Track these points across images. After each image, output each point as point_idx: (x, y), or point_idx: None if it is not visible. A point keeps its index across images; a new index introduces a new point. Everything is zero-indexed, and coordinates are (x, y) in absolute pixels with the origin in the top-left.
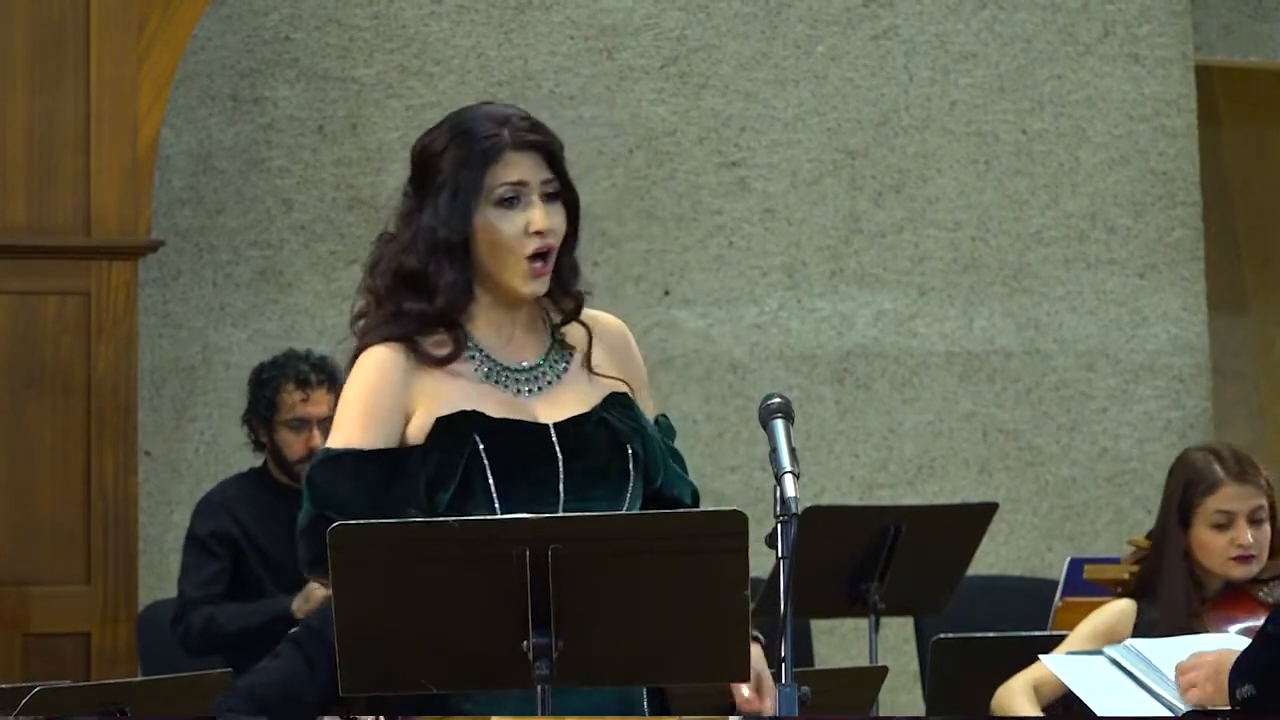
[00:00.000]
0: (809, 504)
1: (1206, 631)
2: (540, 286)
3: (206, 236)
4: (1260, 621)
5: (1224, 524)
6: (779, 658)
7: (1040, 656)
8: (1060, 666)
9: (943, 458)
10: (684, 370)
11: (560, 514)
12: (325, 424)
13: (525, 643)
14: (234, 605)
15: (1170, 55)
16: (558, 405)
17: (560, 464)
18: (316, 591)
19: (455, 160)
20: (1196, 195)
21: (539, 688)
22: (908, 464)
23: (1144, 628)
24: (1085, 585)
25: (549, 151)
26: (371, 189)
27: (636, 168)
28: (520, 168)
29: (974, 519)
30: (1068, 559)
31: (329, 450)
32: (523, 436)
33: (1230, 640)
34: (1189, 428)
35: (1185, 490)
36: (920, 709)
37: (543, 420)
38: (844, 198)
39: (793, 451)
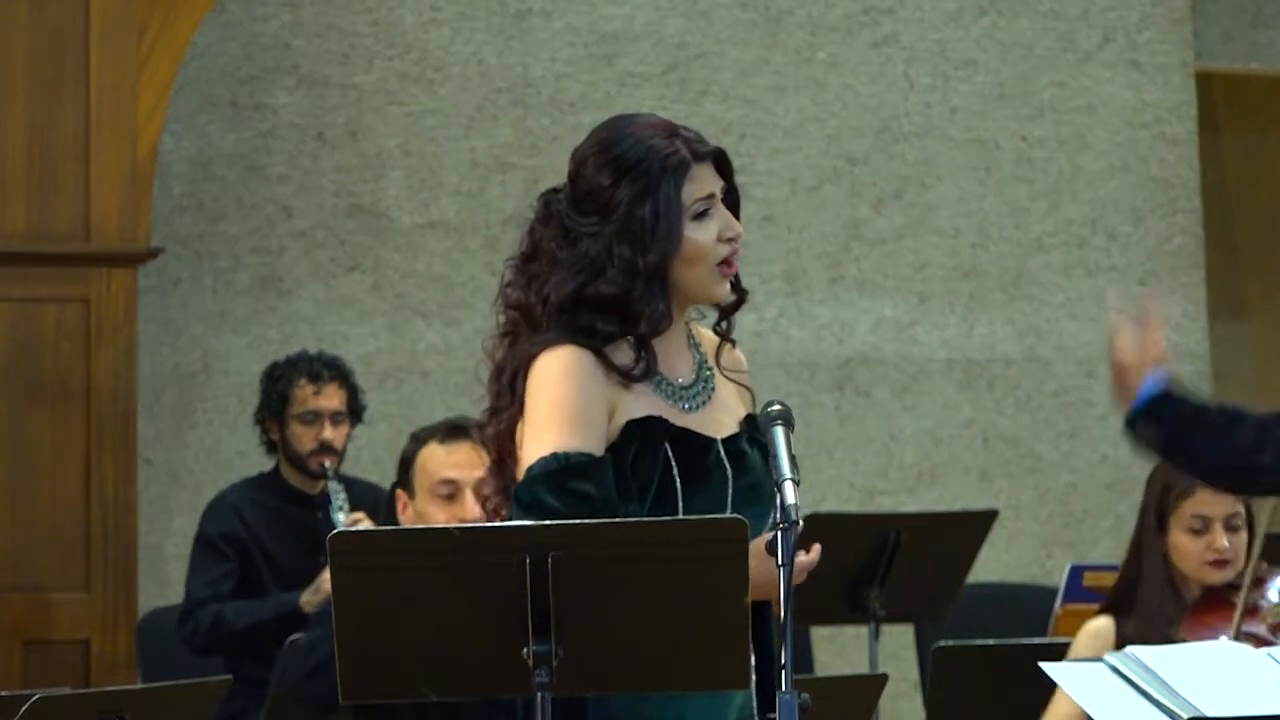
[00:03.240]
0: (809, 511)
1: (1184, 640)
2: (728, 288)
3: (206, 243)
4: (1242, 629)
5: (1200, 529)
6: (779, 665)
7: (1040, 664)
8: (1060, 674)
9: (943, 465)
10: None
11: (560, 521)
12: (336, 418)
13: (525, 650)
14: (241, 602)
15: (1170, 62)
16: (716, 423)
17: (730, 479)
18: (325, 584)
19: (643, 185)
20: (1197, 202)
21: (538, 695)
22: (908, 471)
23: (1121, 642)
24: (1085, 592)
25: (721, 158)
26: (371, 195)
27: None
28: (706, 180)
29: (974, 526)
30: (1068, 566)
31: (565, 455)
32: (701, 449)
33: (1230, 648)
34: None
35: (1163, 494)
36: (920, 717)
37: (711, 435)
38: (844, 205)
39: (793, 458)
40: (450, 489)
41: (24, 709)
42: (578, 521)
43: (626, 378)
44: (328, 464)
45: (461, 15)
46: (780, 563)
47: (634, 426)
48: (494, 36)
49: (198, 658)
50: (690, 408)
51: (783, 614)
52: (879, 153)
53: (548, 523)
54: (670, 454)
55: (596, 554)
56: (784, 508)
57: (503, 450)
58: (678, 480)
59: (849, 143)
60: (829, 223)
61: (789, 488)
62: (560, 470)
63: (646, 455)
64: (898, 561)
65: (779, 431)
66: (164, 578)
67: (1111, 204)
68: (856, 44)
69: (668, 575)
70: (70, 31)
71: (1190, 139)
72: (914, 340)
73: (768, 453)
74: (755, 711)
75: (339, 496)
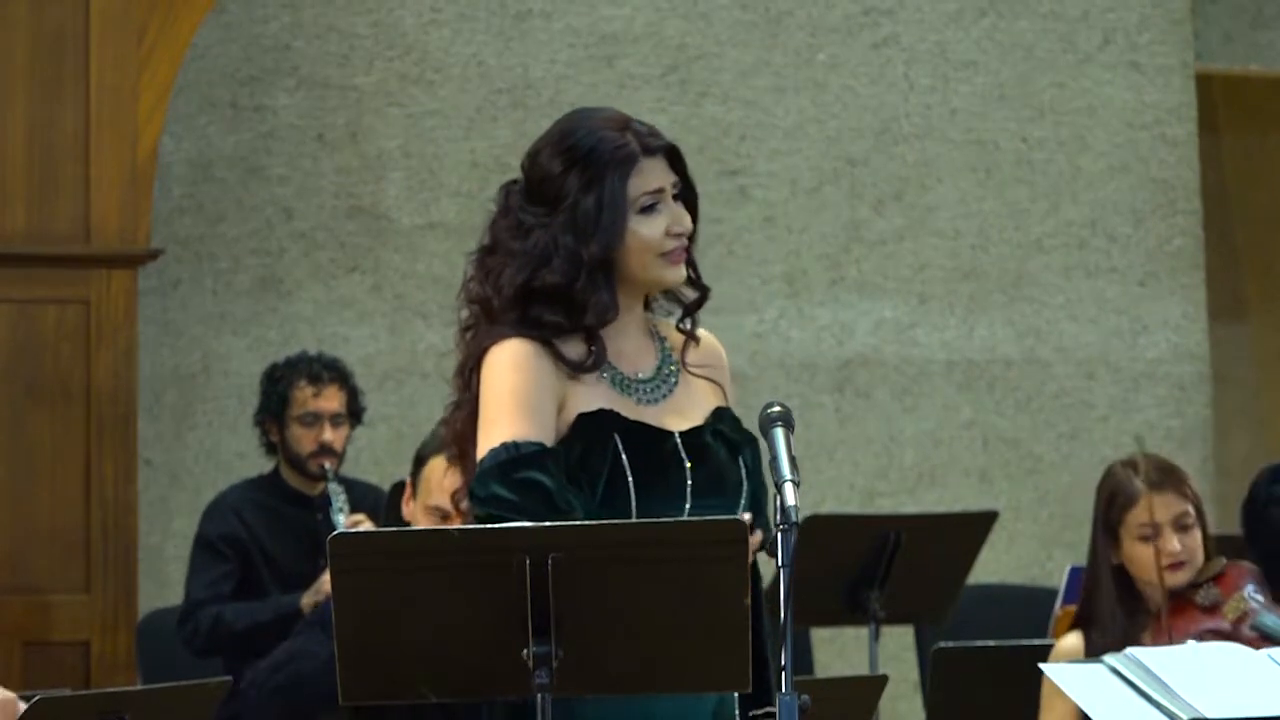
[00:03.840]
0: (809, 512)
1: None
2: (682, 272)
3: (206, 245)
4: (1205, 627)
5: (1150, 535)
6: (779, 666)
7: (1040, 665)
8: (1060, 676)
9: (943, 466)
10: None
11: (560, 523)
12: (336, 419)
13: (525, 651)
14: (241, 603)
15: (1170, 64)
16: (676, 415)
17: (688, 471)
18: (325, 585)
19: (589, 177)
20: (1197, 203)
21: (539, 697)
22: (908, 472)
23: (1093, 655)
24: None
25: (673, 153)
26: (371, 197)
27: None
28: (656, 174)
29: (974, 527)
30: (1068, 567)
31: (514, 444)
32: (656, 441)
33: (1230, 650)
34: (1189, 436)
35: (1108, 507)
36: (920, 718)
37: (668, 428)
38: (844, 206)
39: (793, 460)
40: (441, 514)
41: (24, 710)
42: (577, 523)
43: (577, 370)
44: (328, 465)
45: (462, 16)
46: (781, 564)
47: (584, 419)
48: (494, 38)
49: (197, 658)
50: (649, 400)
51: (783, 615)
52: (879, 154)
53: (547, 524)
54: (621, 446)
55: (596, 555)
56: (784, 509)
57: (463, 445)
58: (629, 472)
59: (849, 144)
60: (829, 224)
61: (789, 489)
62: (510, 461)
63: (596, 448)
64: (898, 563)
65: (779, 433)
66: (164, 579)
67: (1111, 205)
68: (856, 45)
69: (667, 576)
70: (70, 32)
71: (1190, 140)
72: (914, 342)
73: (737, 446)
74: (736, 711)
75: (339, 498)
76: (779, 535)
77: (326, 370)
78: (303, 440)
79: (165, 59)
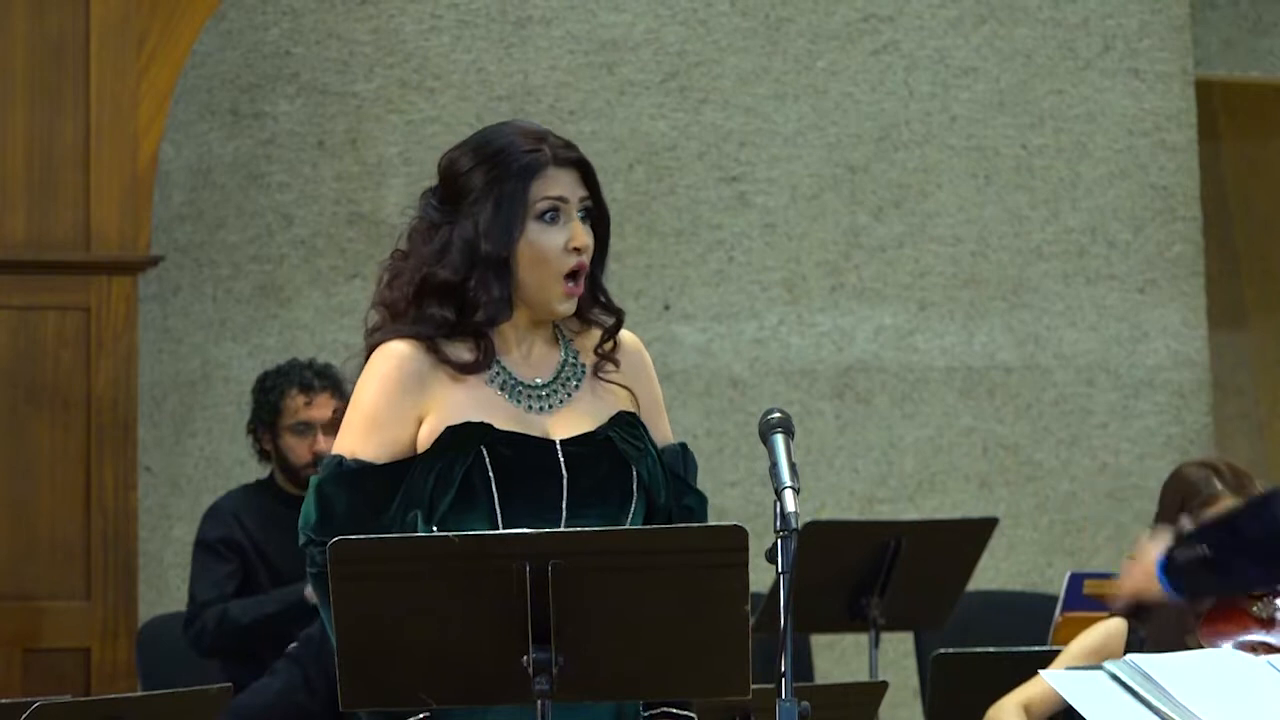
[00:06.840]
0: (809, 519)
1: (1200, 647)
2: (572, 306)
3: (206, 251)
4: (1254, 637)
5: None
6: (779, 672)
7: (1040, 671)
8: (1060, 681)
9: (943, 472)
10: (684, 385)
11: (560, 529)
12: (329, 428)
13: (525, 657)
14: (246, 599)
15: (1170, 70)
16: (566, 423)
17: (564, 480)
18: None
19: (493, 175)
20: (1196, 210)
21: (539, 703)
22: (908, 479)
23: (1135, 646)
24: (1085, 600)
25: (586, 169)
26: (371, 204)
27: (636, 182)
28: (561, 184)
29: (974, 534)
30: (1068, 574)
31: (339, 459)
32: (529, 450)
33: (1231, 657)
34: (1189, 443)
35: (1182, 505)
36: None
37: (551, 436)
38: (844, 212)
39: (793, 466)
40: None
41: (24, 716)
42: (578, 529)
43: (461, 371)
44: None
45: (461, 23)
46: (781, 570)
47: (450, 432)
48: (494, 44)
49: (204, 658)
50: (540, 408)
51: (783, 621)
52: (879, 160)
53: (547, 530)
54: (487, 458)
55: (597, 561)
56: (783, 516)
57: None
58: (493, 484)
59: (849, 150)
60: (829, 230)
61: (788, 495)
62: (328, 477)
63: (455, 460)
64: (898, 569)
65: (779, 439)
66: (164, 586)
67: (1111, 211)
68: (856, 52)
69: (667, 582)
70: (70, 40)
71: (1190, 146)
72: (914, 348)
73: (627, 457)
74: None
75: None
76: (779, 542)
77: (318, 378)
78: (296, 449)
79: (165, 66)
